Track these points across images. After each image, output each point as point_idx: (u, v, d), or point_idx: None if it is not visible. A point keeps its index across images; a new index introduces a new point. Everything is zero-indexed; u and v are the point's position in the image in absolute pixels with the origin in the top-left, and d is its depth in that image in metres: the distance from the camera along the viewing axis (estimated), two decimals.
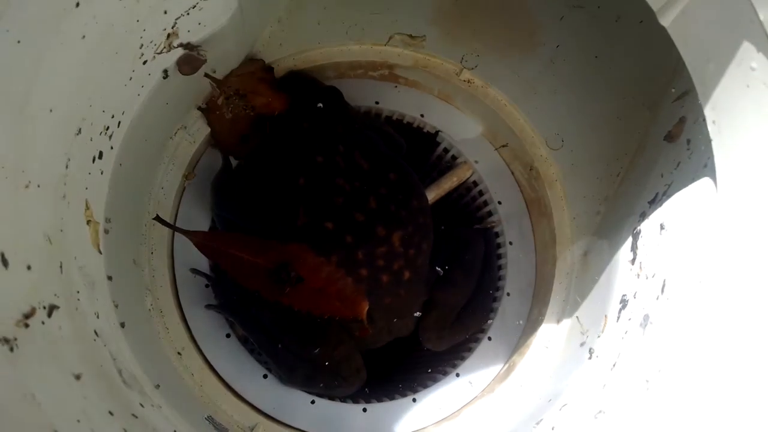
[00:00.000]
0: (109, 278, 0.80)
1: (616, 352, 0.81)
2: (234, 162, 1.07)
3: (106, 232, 0.81)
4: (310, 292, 0.92)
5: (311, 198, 0.97)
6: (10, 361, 0.53)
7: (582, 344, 0.94)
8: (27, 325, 0.56)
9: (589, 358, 0.89)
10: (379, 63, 1.09)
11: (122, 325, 0.83)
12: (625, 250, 0.88)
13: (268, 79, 1.05)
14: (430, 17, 1.07)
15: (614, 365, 0.80)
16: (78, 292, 0.70)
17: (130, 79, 0.80)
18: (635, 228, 0.86)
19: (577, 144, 1.06)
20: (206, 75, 0.98)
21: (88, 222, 0.76)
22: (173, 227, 0.96)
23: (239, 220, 1.03)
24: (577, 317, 0.98)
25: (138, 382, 0.77)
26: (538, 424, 0.91)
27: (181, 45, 0.87)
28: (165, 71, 0.88)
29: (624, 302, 0.83)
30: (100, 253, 0.80)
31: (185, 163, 1.03)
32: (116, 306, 0.82)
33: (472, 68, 1.08)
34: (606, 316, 0.87)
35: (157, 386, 0.84)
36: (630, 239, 0.88)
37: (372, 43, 1.07)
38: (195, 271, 1.01)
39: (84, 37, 0.65)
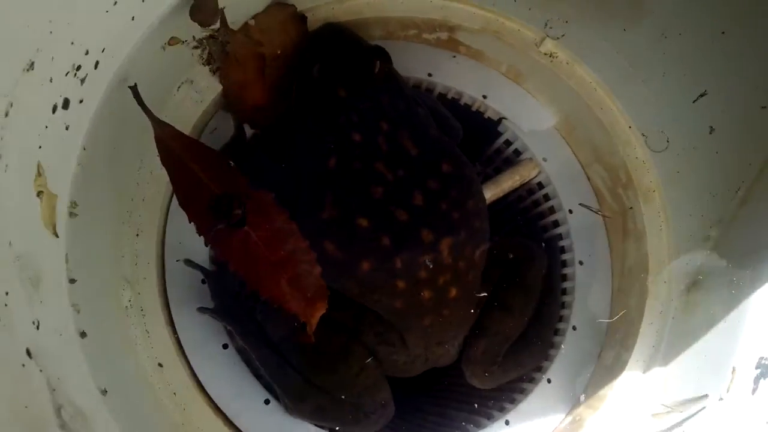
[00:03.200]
0: (72, 279, 0.59)
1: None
2: (249, 132, 0.86)
3: (73, 209, 0.60)
4: (257, 259, 0.71)
5: (343, 185, 0.77)
6: None
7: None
8: None
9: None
10: (439, 22, 0.87)
11: (82, 334, 0.62)
12: (758, 294, 0.65)
13: (298, 31, 0.83)
14: None
15: None
16: (6, 293, 0.49)
17: (115, 3, 0.59)
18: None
19: (688, 146, 0.83)
20: (221, 20, 0.76)
21: (39, 193, 0.54)
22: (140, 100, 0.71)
23: None
24: (678, 369, 0.76)
25: (87, 422, 0.55)
26: None
27: None
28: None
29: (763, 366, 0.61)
30: (56, 236, 0.58)
31: (189, 126, 0.83)
32: (77, 310, 0.62)
33: (558, 38, 0.85)
34: (734, 368, 0.65)
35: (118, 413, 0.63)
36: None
37: None
38: (189, 262, 0.81)
39: None
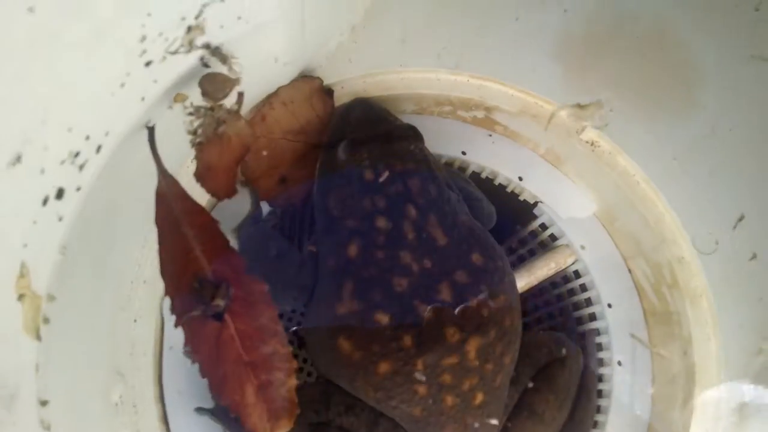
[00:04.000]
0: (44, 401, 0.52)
1: None
2: (266, 209, 0.80)
3: (56, 303, 0.54)
4: (228, 355, 0.65)
5: (363, 276, 0.71)
6: None
7: None
8: None
9: None
10: (475, 102, 0.81)
11: None
12: None
13: (324, 106, 0.78)
14: (549, 50, 0.78)
15: None
16: None
17: (122, 85, 0.54)
18: None
19: (739, 250, 0.75)
20: (238, 101, 0.71)
21: (21, 297, 0.48)
22: (153, 145, 0.67)
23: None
24: None
25: None
26: None
27: (206, 46, 0.61)
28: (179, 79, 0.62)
29: None
30: (39, 339, 0.52)
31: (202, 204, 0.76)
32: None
33: (600, 127, 0.79)
34: None
35: None
36: None
37: (470, 75, 0.79)
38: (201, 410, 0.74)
39: (31, 9, 0.39)
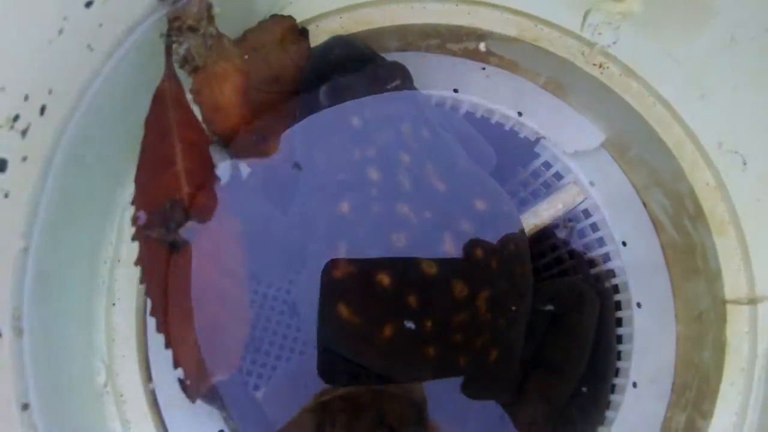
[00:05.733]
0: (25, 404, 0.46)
1: None
2: (244, 170, 0.72)
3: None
4: (176, 287, 0.59)
5: (359, 234, 0.65)
6: None
7: None
8: None
9: None
10: (466, 30, 0.73)
11: None
12: None
13: (299, 48, 0.69)
14: None
15: None
16: None
17: (60, 32, 0.45)
18: None
19: None
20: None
21: None
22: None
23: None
24: None
25: None
26: None
27: None
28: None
29: None
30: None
31: None
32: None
33: (609, 45, 0.71)
34: None
35: None
36: None
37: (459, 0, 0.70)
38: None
39: None
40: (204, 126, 0.64)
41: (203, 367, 0.58)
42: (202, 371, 0.58)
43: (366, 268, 0.63)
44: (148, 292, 0.58)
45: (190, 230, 0.60)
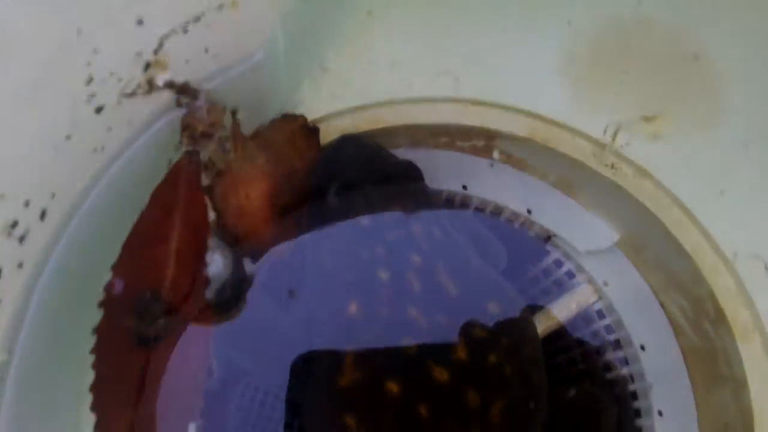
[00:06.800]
0: None
1: None
2: (249, 268, 0.70)
3: None
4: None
5: (366, 338, 0.61)
6: None
7: None
8: None
9: None
10: (477, 130, 0.73)
11: None
12: None
13: (309, 146, 0.69)
14: (558, 67, 0.71)
15: None
16: None
17: (68, 138, 0.44)
18: None
19: None
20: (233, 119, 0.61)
21: None
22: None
23: (248, 359, 0.69)
24: None
25: None
26: None
27: (169, 85, 0.51)
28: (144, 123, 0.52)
29: None
30: None
31: None
32: None
33: (621, 146, 0.70)
34: None
35: None
36: None
37: (470, 101, 0.71)
38: None
39: None
40: (216, 224, 0.62)
41: None
42: None
43: (374, 374, 0.60)
44: (95, 367, 0.53)
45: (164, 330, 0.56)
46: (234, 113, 0.58)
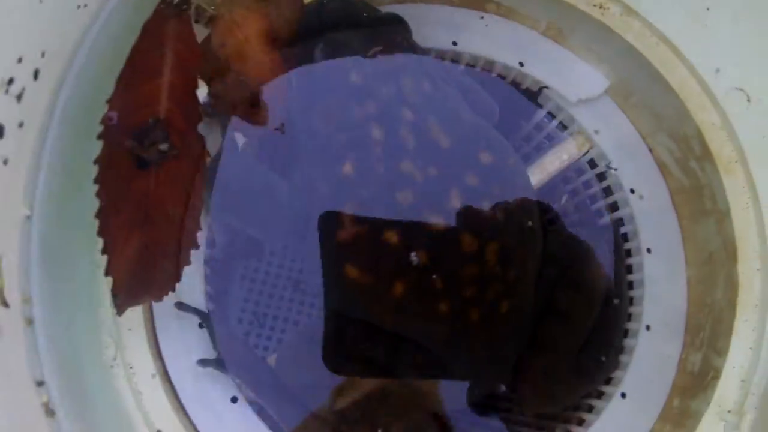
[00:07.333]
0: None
1: None
2: (240, 140, 0.71)
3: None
4: (132, 196, 0.56)
5: (363, 195, 0.63)
6: None
7: None
8: None
9: None
10: None
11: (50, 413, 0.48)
12: None
13: (291, 4, 0.67)
14: None
15: None
16: None
17: None
18: None
19: None
20: None
21: None
22: None
23: (250, 229, 0.73)
24: None
25: None
26: None
27: None
28: None
29: None
30: (6, 305, 0.44)
31: None
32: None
33: None
34: None
35: None
36: None
37: None
38: (181, 305, 0.67)
39: None
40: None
41: (136, 283, 0.56)
42: (133, 287, 0.55)
43: (373, 227, 0.62)
44: (99, 194, 0.54)
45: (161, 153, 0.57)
46: None
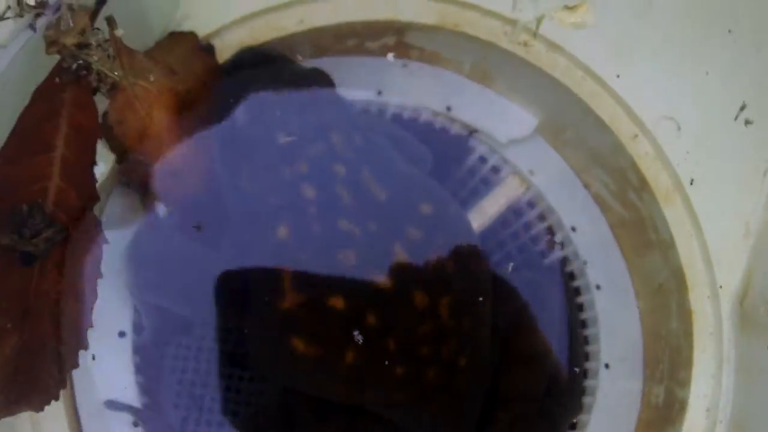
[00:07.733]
0: None
1: None
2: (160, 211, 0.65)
3: None
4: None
5: (301, 259, 0.59)
6: None
7: None
8: None
9: None
10: (383, 24, 0.68)
11: None
12: None
13: (205, 67, 0.63)
14: None
15: None
16: None
17: None
18: None
19: (704, 127, 0.69)
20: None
21: None
22: None
23: (178, 307, 0.66)
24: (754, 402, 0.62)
25: None
26: None
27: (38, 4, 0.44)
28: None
29: None
30: None
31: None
32: None
33: (531, 21, 0.68)
34: None
35: None
36: None
37: None
38: (113, 404, 0.59)
39: None
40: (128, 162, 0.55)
41: (13, 389, 0.48)
42: (10, 394, 0.48)
43: (315, 293, 0.58)
44: None
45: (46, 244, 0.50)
46: (110, 21, 0.50)
